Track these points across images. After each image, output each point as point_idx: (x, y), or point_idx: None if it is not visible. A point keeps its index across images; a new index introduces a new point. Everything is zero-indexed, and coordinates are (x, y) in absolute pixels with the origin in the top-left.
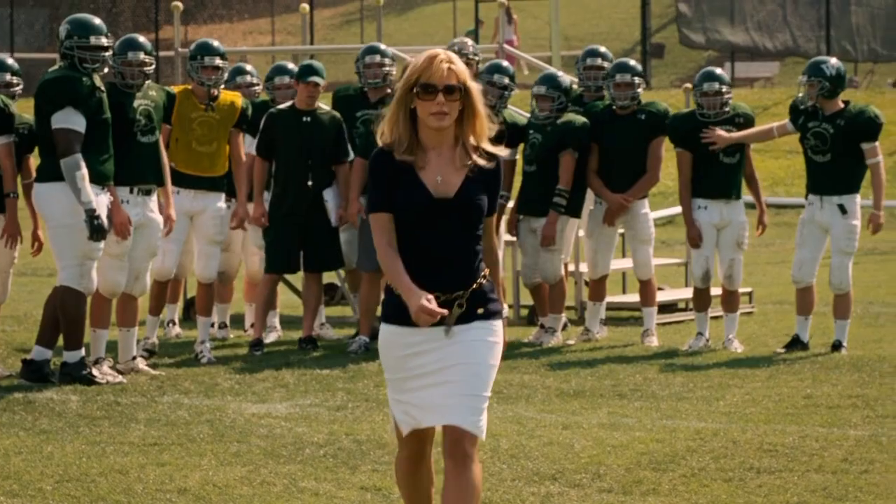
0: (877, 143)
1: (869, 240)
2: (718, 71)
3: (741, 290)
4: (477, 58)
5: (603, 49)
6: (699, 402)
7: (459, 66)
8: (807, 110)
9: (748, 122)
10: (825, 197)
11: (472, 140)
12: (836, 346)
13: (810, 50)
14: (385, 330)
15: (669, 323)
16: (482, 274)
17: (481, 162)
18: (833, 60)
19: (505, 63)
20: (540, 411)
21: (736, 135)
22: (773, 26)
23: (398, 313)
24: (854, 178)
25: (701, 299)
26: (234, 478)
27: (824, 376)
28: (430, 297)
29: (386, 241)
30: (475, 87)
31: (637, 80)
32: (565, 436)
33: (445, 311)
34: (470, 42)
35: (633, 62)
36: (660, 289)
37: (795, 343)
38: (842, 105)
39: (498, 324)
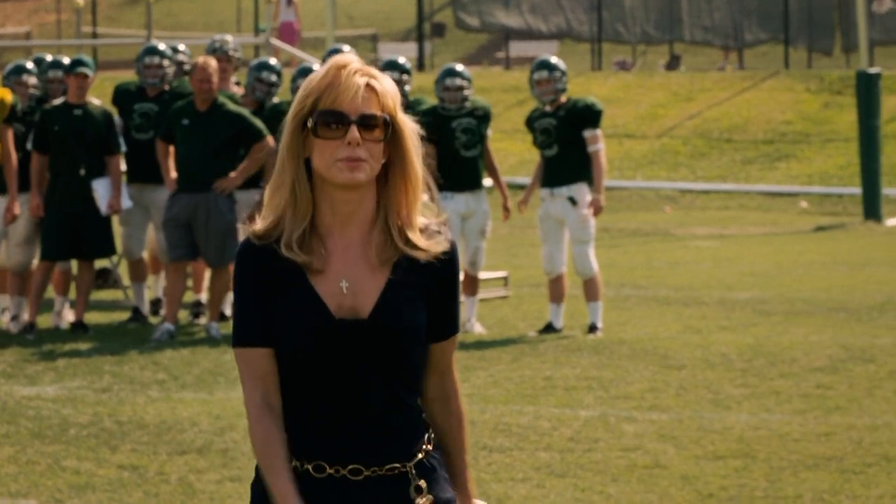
0: (598, 131)
1: (632, 221)
2: (459, 67)
3: (496, 274)
4: (237, 53)
5: (346, 48)
6: None
7: (385, 84)
8: (534, 111)
9: (486, 115)
10: (555, 189)
11: (401, 215)
12: (592, 328)
13: (584, 32)
14: None
15: None
16: (428, 437)
17: (415, 253)
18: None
19: (272, 60)
20: None
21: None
22: (548, 9)
23: None
24: (581, 168)
25: None
26: (2, 457)
27: (565, 359)
28: None
29: (260, 398)
30: (409, 126)
31: (405, 76)
32: None
33: None
34: (230, 38)
35: (402, 60)
36: None
37: (549, 329)
38: (563, 100)
39: None
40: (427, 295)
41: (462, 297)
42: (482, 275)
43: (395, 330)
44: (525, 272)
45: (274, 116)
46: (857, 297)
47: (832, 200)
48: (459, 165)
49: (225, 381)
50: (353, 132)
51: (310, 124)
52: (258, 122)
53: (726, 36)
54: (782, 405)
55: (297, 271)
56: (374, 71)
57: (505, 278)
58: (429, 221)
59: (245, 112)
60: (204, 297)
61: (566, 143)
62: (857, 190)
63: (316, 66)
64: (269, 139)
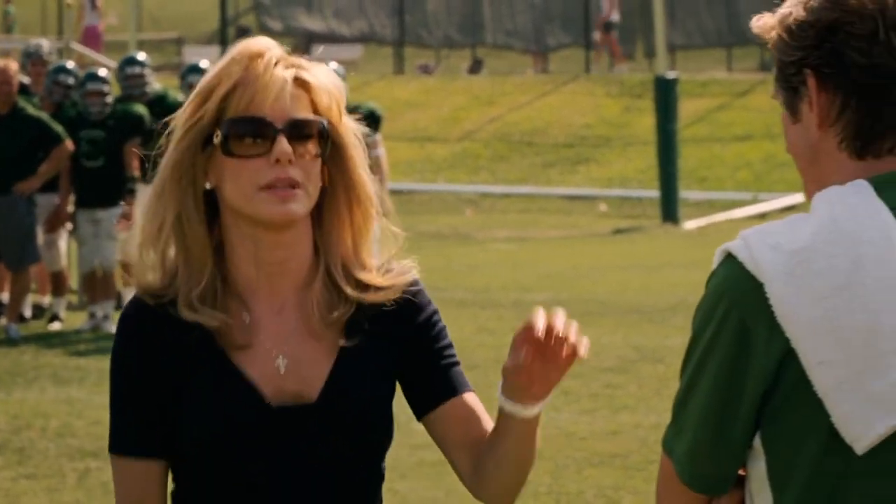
0: (378, 137)
1: (433, 224)
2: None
3: None
4: (53, 57)
5: (141, 55)
6: None
7: (320, 77)
8: None
9: None
10: None
11: (346, 255)
12: None
13: (386, 36)
14: None
15: None
16: None
17: (374, 297)
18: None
19: (70, 63)
20: (90, 392)
21: None
22: (350, 13)
23: None
24: None
25: None
26: None
27: None
28: None
29: None
30: (353, 130)
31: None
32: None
33: None
34: (45, 42)
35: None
36: None
37: None
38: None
39: None
40: (399, 358)
41: None
42: None
43: (355, 413)
44: None
45: (70, 120)
46: (651, 299)
47: (631, 203)
48: None
49: (23, 381)
50: (282, 145)
51: (217, 139)
52: (57, 126)
53: (529, 40)
54: (570, 405)
55: (210, 344)
56: (303, 60)
57: None
58: (384, 260)
59: (44, 116)
60: (6, 297)
61: None
62: (655, 193)
63: (103, 72)
64: (68, 143)
